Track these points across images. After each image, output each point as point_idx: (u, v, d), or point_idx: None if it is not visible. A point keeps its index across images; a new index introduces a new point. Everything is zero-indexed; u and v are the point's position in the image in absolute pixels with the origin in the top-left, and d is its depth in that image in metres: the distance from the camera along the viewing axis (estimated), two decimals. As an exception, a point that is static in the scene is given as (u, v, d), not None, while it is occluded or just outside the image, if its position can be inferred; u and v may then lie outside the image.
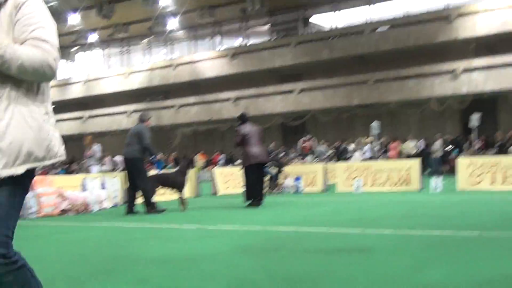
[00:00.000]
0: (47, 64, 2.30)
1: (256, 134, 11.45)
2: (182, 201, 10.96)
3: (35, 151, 2.32)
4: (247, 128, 11.43)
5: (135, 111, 34.01)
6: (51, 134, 2.42)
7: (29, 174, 2.39)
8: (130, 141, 10.61)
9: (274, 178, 16.10)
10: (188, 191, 14.08)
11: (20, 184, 2.37)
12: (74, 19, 28.72)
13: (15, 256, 2.46)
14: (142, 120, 10.98)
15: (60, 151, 2.49)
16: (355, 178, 15.50)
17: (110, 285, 4.29)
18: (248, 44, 33.30)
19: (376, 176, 15.46)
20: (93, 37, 33.32)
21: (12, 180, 2.30)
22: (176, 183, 11.12)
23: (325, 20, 32.24)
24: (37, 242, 7.18)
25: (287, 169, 16.77)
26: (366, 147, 22.35)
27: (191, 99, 32.88)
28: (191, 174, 15.05)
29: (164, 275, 4.55)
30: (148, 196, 10.54)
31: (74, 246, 6.67)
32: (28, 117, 2.30)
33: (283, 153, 23.67)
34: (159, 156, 11.04)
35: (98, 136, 31.29)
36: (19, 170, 2.30)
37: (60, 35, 21.60)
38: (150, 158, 11.05)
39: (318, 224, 7.77)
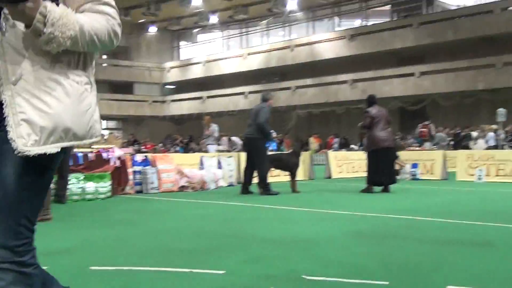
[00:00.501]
0: (113, 33, 2.00)
1: (384, 117, 10.93)
2: (294, 183, 11.00)
3: (73, 128, 1.97)
4: (375, 111, 10.90)
5: (252, 92, 34.55)
6: (93, 108, 2.07)
7: (59, 154, 1.99)
8: (251, 121, 10.55)
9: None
10: (301, 174, 14.10)
11: (47, 163, 2.00)
12: (197, 1, 29.54)
13: (26, 256, 2.01)
14: (264, 99, 10.81)
15: (99, 130, 2.13)
16: (477, 167, 14.72)
17: (223, 260, 4.41)
18: (367, 25, 32.58)
19: (500, 167, 14.58)
20: (213, 19, 34.12)
21: (39, 159, 1.93)
22: (289, 165, 11.15)
23: None
24: (158, 216, 7.55)
25: (403, 154, 16.27)
26: (490, 135, 21.12)
27: (308, 81, 32.80)
28: (305, 156, 15.05)
29: (277, 256, 4.60)
30: (264, 177, 10.55)
31: (192, 221, 6.94)
32: (66, 84, 1.97)
33: (400, 138, 23.00)
34: (274, 135, 10.93)
35: (216, 116, 32.17)
36: (52, 148, 1.94)
37: (184, 16, 22.27)
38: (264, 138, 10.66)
39: (435, 214, 7.48)
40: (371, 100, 11.10)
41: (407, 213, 7.48)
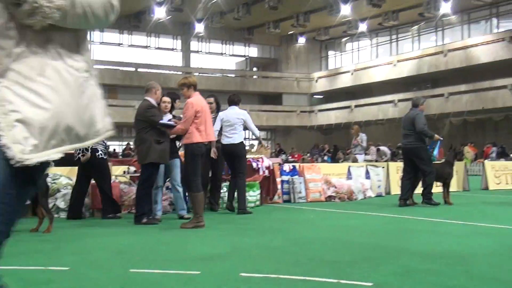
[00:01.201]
0: (110, 5, 1.69)
1: None
2: (447, 194, 10.50)
3: (75, 126, 1.62)
4: None
5: (401, 100, 33.62)
6: (95, 102, 1.75)
7: (48, 164, 1.63)
8: (407, 130, 10.17)
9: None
10: (454, 184, 13.41)
11: (35, 174, 1.62)
12: (345, 10, 29.47)
13: None
14: (415, 105, 10.42)
15: (104, 126, 1.79)
16: None
17: (371, 272, 4.34)
18: (529, 26, 30.28)
19: None
20: (362, 27, 33.78)
21: (28, 168, 1.55)
22: (442, 175, 10.67)
23: None
24: (306, 226, 7.62)
25: None
26: None
27: (462, 87, 31.19)
28: (459, 166, 14.30)
29: (428, 270, 4.43)
30: (430, 185, 10.12)
31: (340, 232, 6.90)
32: (63, 72, 1.61)
33: None
34: (436, 137, 10.43)
35: (364, 125, 31.76)
36: (54, 154, 1.60)
37: (332, 26, 22.28)
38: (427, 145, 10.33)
39: None
40: None
41: None
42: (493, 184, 15.56)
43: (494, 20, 32.32)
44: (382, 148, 21.31)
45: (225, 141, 9.11)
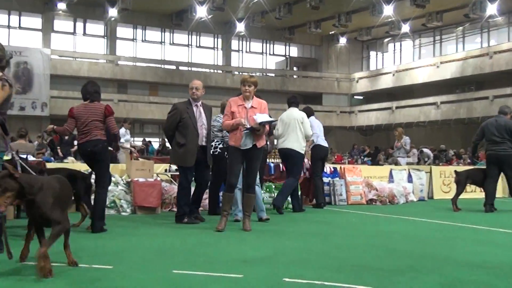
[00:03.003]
0: None
1: None
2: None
3: None
4: None
5: (444, 102, 33.00)
6: None
7: None
8: (499, 137, 10.06)
9: None
10: (500, 190, 13.04)
11: None
12: (388, 10, 29.06)
13: None
14: (504, 112, 10.39)
15: None
16: None
17: (417, 282, 4.24)
18: None
19: None
20: (405, 27, 33.25)
21: None
22: (482, 180, 10.44)
23: None
24: (348, 230, 7.52)
25: None
26: None
27: (508, 90, 30.37)
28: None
29: (476, 281, 4.30)
30: None
31: (383, 238, 6.79)
32: None
33: None
34: None
35: (405, 127, 31.24)
36: None
37: (374, 26, 22.01)
38: None
39: None
40: None
41: None
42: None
43: (542, 22, 31.42)
44: (425, 150, 20.97)
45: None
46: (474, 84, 33.40)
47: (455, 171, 10.77)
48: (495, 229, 7.66)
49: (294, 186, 9.36)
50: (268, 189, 9.94)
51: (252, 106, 7.06)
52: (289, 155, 9.26)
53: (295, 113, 9.42)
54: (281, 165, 10.60)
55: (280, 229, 7.35)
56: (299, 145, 9.21)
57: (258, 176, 8.00)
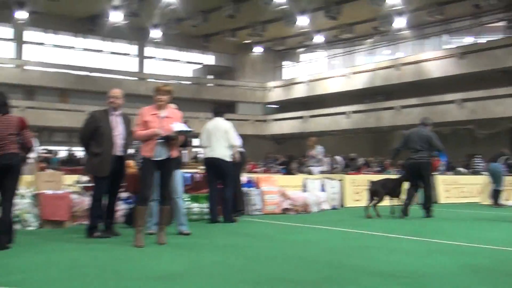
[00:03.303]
0: None
1: None
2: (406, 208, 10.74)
3: None
4: None
5: (355, 111, 34.03)
6: None
7: None
8: (419, 146, 11.02)
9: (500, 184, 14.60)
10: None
11: None
12: (302, 21, 29.62)
13: None
14: (425, 124, 11.53)
15: None
16: None
17: (335, 296, 4.27)
18: (479, 42, 31.14)
19: None
20: (318, 38, 34.04)
21: None
22: (395, 190, 10.90)
23: None
24: (264, 241, 7.50)
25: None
26: None
27: (413, 100, 31.80)
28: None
29: (389, 293, 4.39)
30: (431, 200, 11.24)
31: (299, 248, 6.82)
32: None
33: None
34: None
35: (317, 136, 31.94)
36: None
37: (289, 36, 22.35)
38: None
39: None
40: None
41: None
42: (443, 198, 15.86)
43: (446, 37, 33.17)
44: (337, 158, 21.47)
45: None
46: (383, 95, 34.69)
47: (370, 181, 11.13)
48: (404, 236, 7.92)
49: (232, 197, 9.64)
50: (193, 200, 9.83)
51: (167, 116, 6.90)
52: (216, 164, 9.39)
53: (220, 123, 9.66)
54: (196, 175, 10.50)
55: (195, 241, 7.22)
56: (225, 153, 9.39)
57: (181, 189, 7.97)
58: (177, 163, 7.48)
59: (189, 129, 7.05)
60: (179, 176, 8.00)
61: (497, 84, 28.55)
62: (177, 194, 7.87)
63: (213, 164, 9.45)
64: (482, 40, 31.45)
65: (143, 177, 6.88)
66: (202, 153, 10.07)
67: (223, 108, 10.09)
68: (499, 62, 28.49)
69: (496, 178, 14.55)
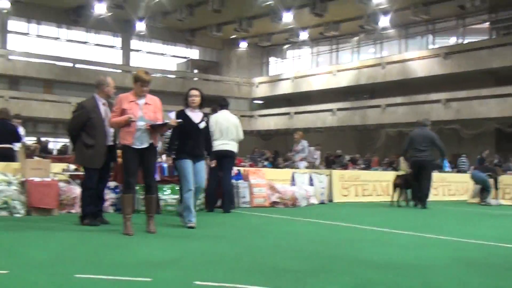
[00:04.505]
0: None
1: None
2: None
3: None
4: None
5: (340, 109, 34.13)
6: None
7: None
8: (423, 146, 12.11)
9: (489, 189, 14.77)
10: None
11: None
12: (287, 18, 29.62)
13: None
14: (425, 124, 12.56)
15: None
16: None
17: (331, 284, 4.23)
18: (463, 43, 31.39)
19: None
20: (303, 35, 34.06)
21: None
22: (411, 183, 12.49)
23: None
24: (254, 232, 7.45)
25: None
26: None
27: (398, 99, 32.00)
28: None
29: (385, 281, 4.36)
30: (428, 194, 12.37)
31: (289, 239, 6.78)
32: None
33: (498, 161, 21.88)
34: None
35: (303, 132, 31.97)
36: None
37: (274, 33, 22.34)
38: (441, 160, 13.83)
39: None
40: None
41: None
42: (431, 196, 15.88)
43: (430, 37, 33.38)
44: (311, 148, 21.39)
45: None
46: (368, 93, 34.83)
47: (396, 175, 12.90)
48: (396, 231, 7.92)
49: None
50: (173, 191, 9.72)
51: (146, 103, 6.76)
52: (228, 156, 9.74)
53: (231, 118, 10.03)
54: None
55: (185, 231, 7.14)
56: (235, 146, 9.95)
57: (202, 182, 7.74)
58: (202, 155, 7.62)
59: (179, 120, 7.01)
60: (204, 168, 7.74)
61: (482, 85, 28.81)
62: (201, 186, 7.73)
63: (223, 156, 9.55)
64: (467, 41, 31.70)
65: (125, 165, 6.73)
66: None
67: (227, 101, 10.26)
68: (484, 63, 28.75)
69: (482, 184, 14.70)
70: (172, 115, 6.77)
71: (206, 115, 7.77)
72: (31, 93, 31.04)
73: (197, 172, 7.52)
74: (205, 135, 7.71)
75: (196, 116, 7.62)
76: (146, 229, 6.74)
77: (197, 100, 7.67)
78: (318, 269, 4.78)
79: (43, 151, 18.82)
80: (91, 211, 7.33)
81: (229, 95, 39.24)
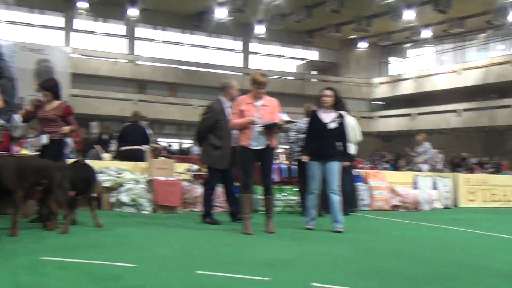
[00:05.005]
0: None
1: None
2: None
3: None
4: None
5: (466, 109, 32.53)
6: None
7: None
8: None
9: None
10: None
11: None
12: (408, 16, 28.71)
13: None
14: None
15: None
16: None
17: (456, 293, 4.01)
18: None
19: None
20: (426, 33, 32.85)
21: None
22: None
23: None
24: (374, 235, 7.30)
25: None
26: None
27: (531, 99, 30.00)
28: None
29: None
30: None
31: (411, 244, 6.55)
32: None
33: None
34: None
35: (426, 134, 30.86)
36: None
37: (395, 31, 21.71)
38: None
39: None
40: None
41: None
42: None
43: None
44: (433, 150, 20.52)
45: None
46: (497, 92, 32.91)
47: None
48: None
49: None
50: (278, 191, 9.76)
51: (263, 105, 6.83)
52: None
53: (348, 119, 9.43)
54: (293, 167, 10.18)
55: (303, 232, 7.13)
56: (354, 149, 9.96)
57: (336, 183, 7.29)
58: (331, 155, 7.24)
59: (293, 120, 7.03)
60: (336, 169, 7.29)
61: None
62: (332, 188, 7.26)
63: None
64: None
65: (242, 165, 6.83)
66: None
67: (343, 102, 10.12)
68: None
69: None
70: (285, 116, 6.77)
71: (340, 116, 7.51)
72: (157, 96, 32.61)
73: (327, 173, 7.23)
74: (338, 135, 7.37)
75: (327, 116, 7.41)
76: (265, 229, 6.81)
77: (329, 100, 7.48)
78: (440, 277, 4.56)
79: (168, 152, 19.73)
80: (212, 210, 7.55)
81: (348, 96, 38.79)
